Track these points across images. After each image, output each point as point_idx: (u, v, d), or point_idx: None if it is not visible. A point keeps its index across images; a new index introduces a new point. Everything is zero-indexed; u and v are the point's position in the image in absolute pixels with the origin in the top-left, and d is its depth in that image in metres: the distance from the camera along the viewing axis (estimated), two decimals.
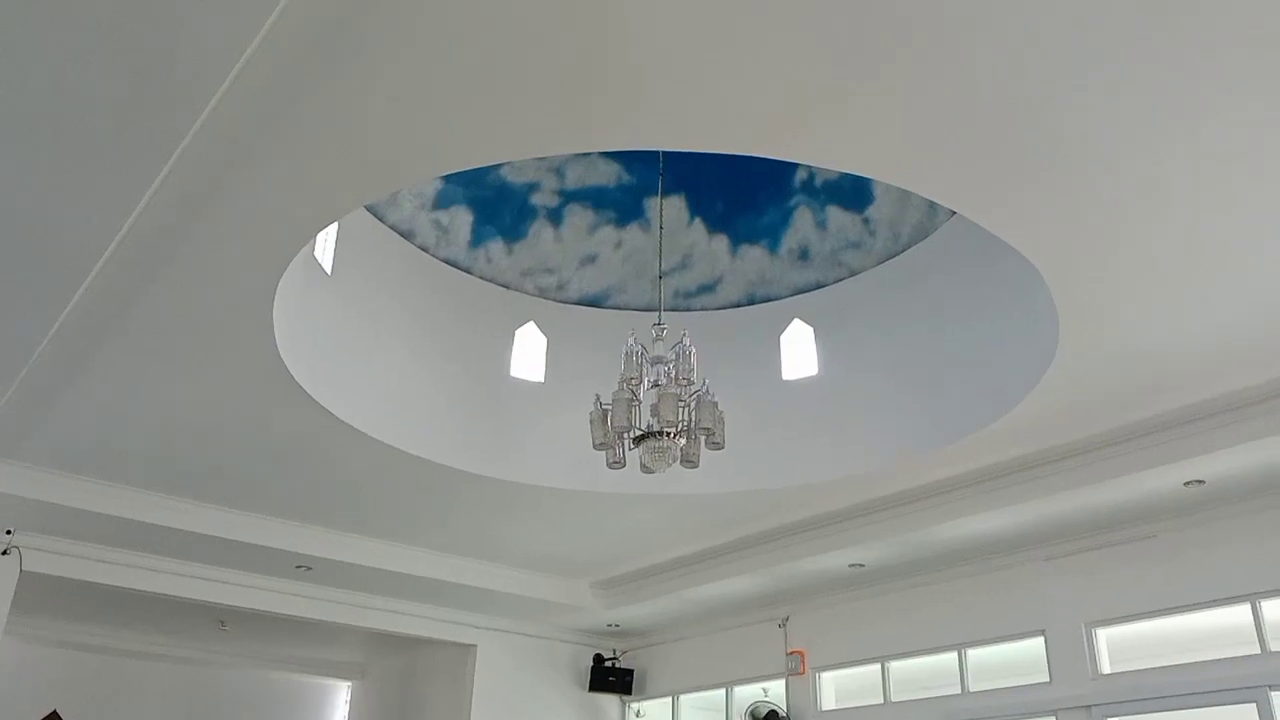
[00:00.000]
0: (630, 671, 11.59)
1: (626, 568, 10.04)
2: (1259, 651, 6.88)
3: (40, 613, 10.50)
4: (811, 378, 7.95)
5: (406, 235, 7.63)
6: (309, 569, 9.29)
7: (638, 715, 11.71)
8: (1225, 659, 7.04)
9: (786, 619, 10.08)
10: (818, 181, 7.70)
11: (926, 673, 9.09)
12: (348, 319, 7.06)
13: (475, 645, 10.93)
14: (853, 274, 7.91)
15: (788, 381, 8.02)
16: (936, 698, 8.74)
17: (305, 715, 13.20)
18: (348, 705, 13.40)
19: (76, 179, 4.41)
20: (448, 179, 7.48)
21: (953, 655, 8.69)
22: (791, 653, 9.89)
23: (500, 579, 10.02)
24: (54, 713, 11.46)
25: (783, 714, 9.70)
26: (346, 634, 11.47)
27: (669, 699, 11.34)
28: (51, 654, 11.44)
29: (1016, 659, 8.41)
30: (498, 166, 7.62)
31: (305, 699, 13.24)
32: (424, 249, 7.75)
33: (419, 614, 10.49)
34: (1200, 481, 6.85)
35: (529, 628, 11.24)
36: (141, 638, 11.65)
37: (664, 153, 6.99)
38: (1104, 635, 7.81)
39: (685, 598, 10.14)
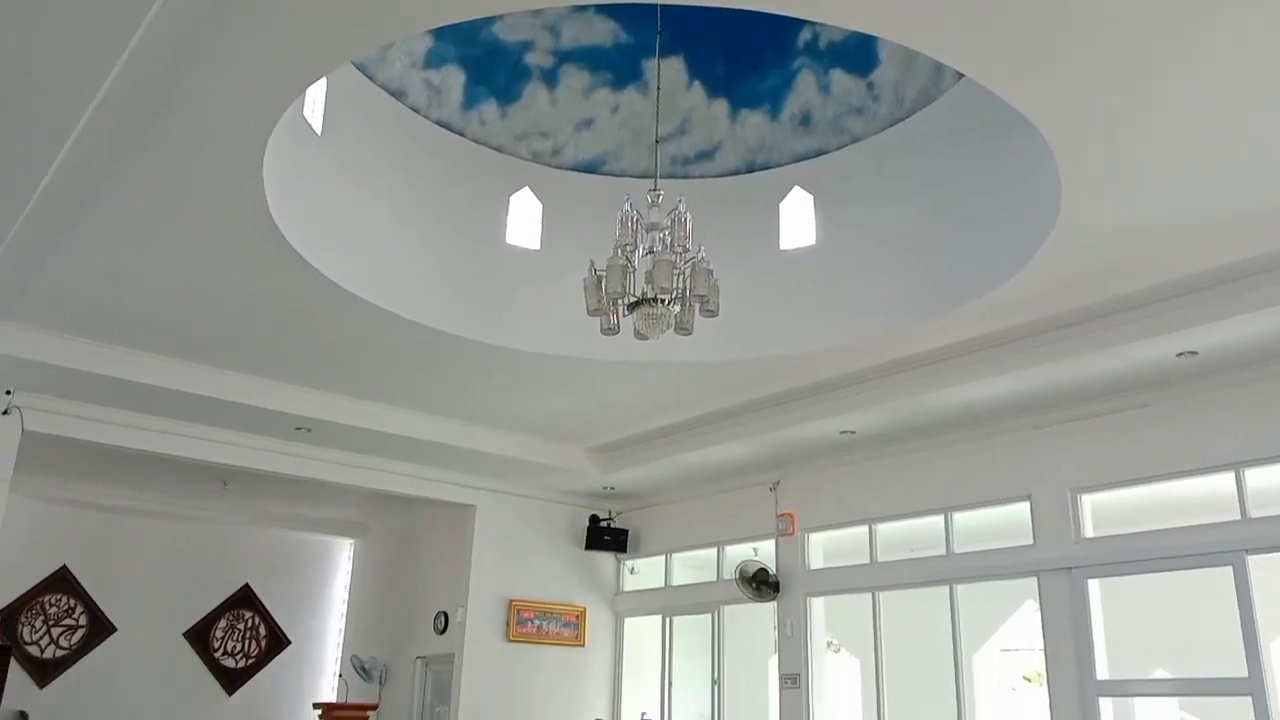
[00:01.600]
0: (625, 532, 11.90)
1: (621, 434, 10.18)
2: (1239, 518, 7.03)
3: (46, 472, 10.69)
4: (809, 247, 7.88)
5: (397, 95, 7.41)
6: (308, 430, 9.41)
7: (632, 573, 12.10)
8: (1206, 525, 7.21)
9: (777, 483, 10.28)
10: (822, 43, 7.44)
11: (912, 535, 9.34)
12: (339, 181, 6.93)
13: (474, 505, 11.18)
14: (855, 140, 7.73)
15: (785, 251, 7.95)
16: (922, 558, 9.01)
17: (309, 571, 13.60)
18: (351, 562, 13.81)
19: (54, 36, 4.24)
20: (439, 36, 7.22)
21: (939, 518, 8.91)
22: (781, 515, 10.14)
23: (497, 443, 10.17)
24: (63, 568, 11.80)
25: (771, 572, 10.01)
26: (347, 493, 11.73)
27: (662, 557, 11.69)
28: (59, 512, 11.70)
29: (1001, 523, 8.63)
30: (490, 23, 7.34)
31: (309, 556, 13.62)
32: (415, 110, 7.54)
33: (418, 475, 10.70)
34: (1193, 353, 6.87)
35: (526, 489, 11.48)
36: (146, 496, 11.90)
37: (662, 8, 6.70)
38: (1089, 501, 7.99)
39: (679, 463, 10.32)
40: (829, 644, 10.82)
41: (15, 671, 11.02)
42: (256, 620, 13.01)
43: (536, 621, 11.30)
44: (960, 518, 8.83)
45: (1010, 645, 13.47)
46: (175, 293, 7.06)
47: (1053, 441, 8.19)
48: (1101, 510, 8.03)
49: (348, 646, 13.04)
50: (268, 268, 6.62)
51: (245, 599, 12.98)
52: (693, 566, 11.43)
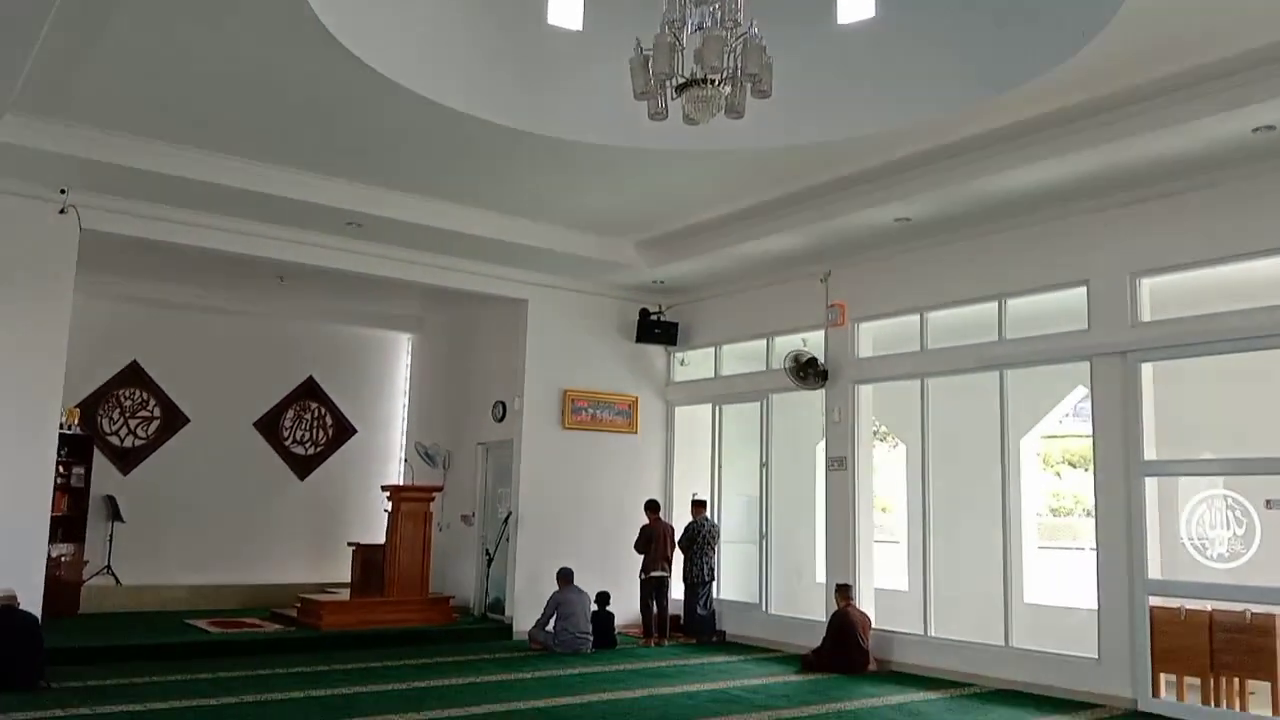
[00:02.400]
0: (675, 325, 12.02)
1: (670, 226, 10.08)
2: None
3: (110, 271, 10.90)
4: (867, 22, 7.43)
5: None
6: (359, 225, 9.44)
7: (682, 364, 12.29)
8: (1268, 306, 7.07)
9: (828, 274, 10.21)
10: None
11: (963, 323, 9.29)
12: None
13: (527, 300, 11.31)
14: None
15: (842, 26, 7.51)
16: (973, 345, 9.00)
17: (370, 364, 14.01)
18: (409, 355, 14.18)
19: None
20: None
21: (992, 305, 8.84)
22: (832, 305, 10.13)
23: (547, 237, 10.15)
24: (134, 362, 12.27)
25: (820, 361, 10.10)
26: (401, 289, 11.88)
27: (711, 349, 11.83)
28: (126, 309, 12.04)
29: (1055, 309, 8.54)
30: None
31: (369, 349, 13.99)
32: None
33: (470, 270, 10.77)
34: (1270, 127, 6.52)
35: (578, 284, 11.54)
36: (207, 293, 12.16)
37: None
38: (1147, 285, 7.84)
39: (728, 255, 10.26)
40: (875, 432, 11.03)
41: (100, 460, 11.68)
42: (322, 411, 13.54)
43: (590, 410, 11.63)
44: (1014, 304, 8.75)
45: (1054, 431, 13.64)
46: (219, 86, 6.97)
47: (1112, 225, 7.97)
48: (1159, 294, 7.90)
49: (411, 434, 13.59)
50: (309, 58, 6.46)
51: (310, 391, 13.47)
52: (742, 357, 11.58)
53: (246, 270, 10.97)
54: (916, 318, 9.44)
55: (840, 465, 9.92)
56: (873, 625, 9.29)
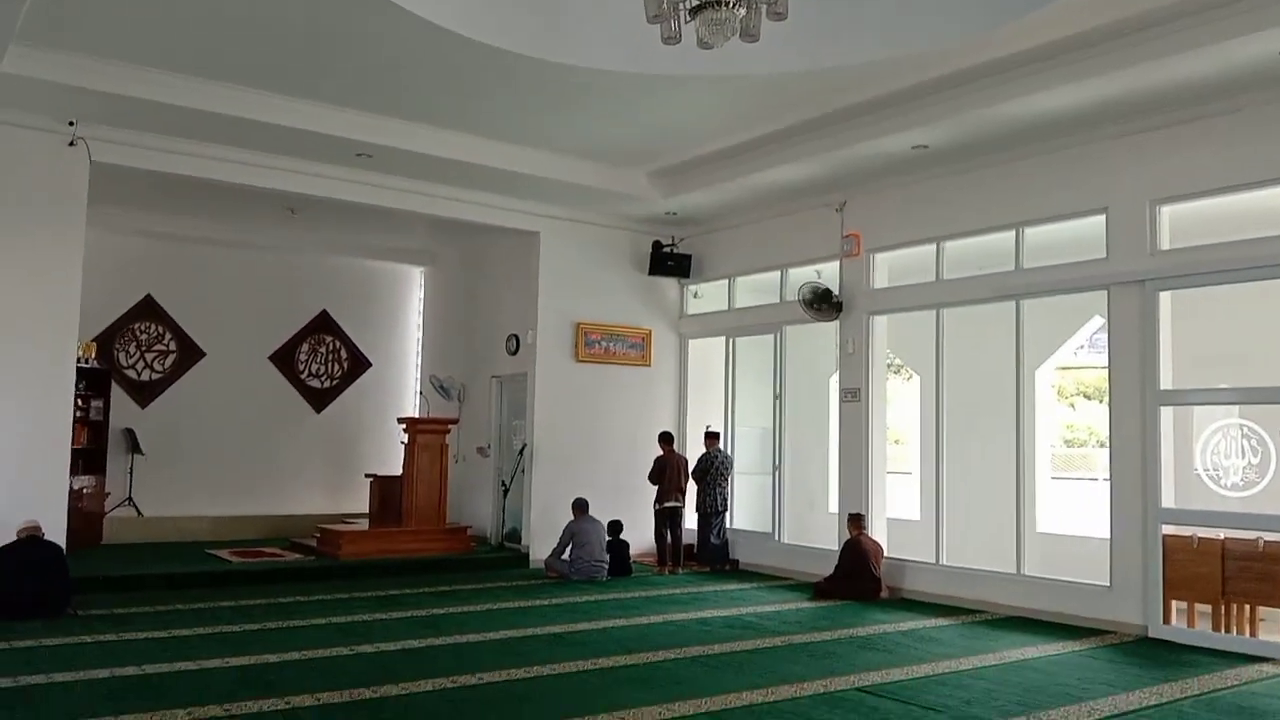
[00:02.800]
0: (688, 257, 11.95)
1: (683, 155, 9.95)
2: None
3: (122, 204, 10.88)
4: None
5: None
6: (369, 156, 9.36)
7: (695, 297, 12.25)
8: None
9: (843, 204, 10.10)
10: None
11: (980, 253, 9.21)
12: None
13: (538, 233, 11.25)
14: None
15: None
16: (989, 274, 8.92)
17: (383, 298, 14.00)
18: (422, 289, 14.17)
19: None
20: None
21: (1009, 235, 8.74)
22: (847, 236, 10.03)
23: (558, 168, 10.04)
24: (148, 296, 12.29)
25: (835, 293, 10.04)
26: (413, 221, 11.83)
27: (725, 281, 11.78)
28: (139, 243, 12.03)
29: (1073, 238, 8.44)
30: None
31: (382, 283, 13.97)
32: None
33: (482, 202, 10.70)
34: None
35: (590, 216, 11.45)
36: (219, 226, 12.12)
37: None
38: (1167, 212, 7.73)
39: (742, 185, 10.14)
40: (889, 365, 11.01)
41: (118, 394, 11.77)
42: (337, 344, 13.58)
43: (603, 343, 11.63)
44: (1031, 233, 8.65)
45: (1069, 363, 13.60)
46: (226, 15, 6.85)
47: (1133, 151, 7.82)
48: (1179, 222, 7.79)
49: (426, 368, 13.63)
50: None
51: (324, 324, 13.49)
52: (755, 290, 11.52)
53: (258, 203, 10.92)
54: (933, 248, 9.35)
55: (854, 397, 9.92)
56: (885, 554, 9.37)
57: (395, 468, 11.70)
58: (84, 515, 10.54)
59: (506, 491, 11.56)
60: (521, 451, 11.32)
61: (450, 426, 11.63)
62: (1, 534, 7.51)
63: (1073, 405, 20.61)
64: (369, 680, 5.61)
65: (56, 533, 8.03)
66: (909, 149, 8.74)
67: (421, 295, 14.16)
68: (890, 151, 8.85)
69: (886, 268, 9.99)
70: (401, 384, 13.99)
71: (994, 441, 9.24)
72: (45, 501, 8.16)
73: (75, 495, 9.92)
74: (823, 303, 9.98)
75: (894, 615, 8.26)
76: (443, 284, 13.78)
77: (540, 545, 10.73)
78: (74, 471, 9.35)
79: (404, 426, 11.46)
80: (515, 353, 11.71)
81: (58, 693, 5.25)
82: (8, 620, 7.05)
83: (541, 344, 11.24)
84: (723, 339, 11.79)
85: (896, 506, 10.46)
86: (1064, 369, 14.92)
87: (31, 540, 7.48)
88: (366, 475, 11.85)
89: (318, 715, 4.94)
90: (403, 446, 11.38)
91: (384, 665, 6.06)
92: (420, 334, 14.08)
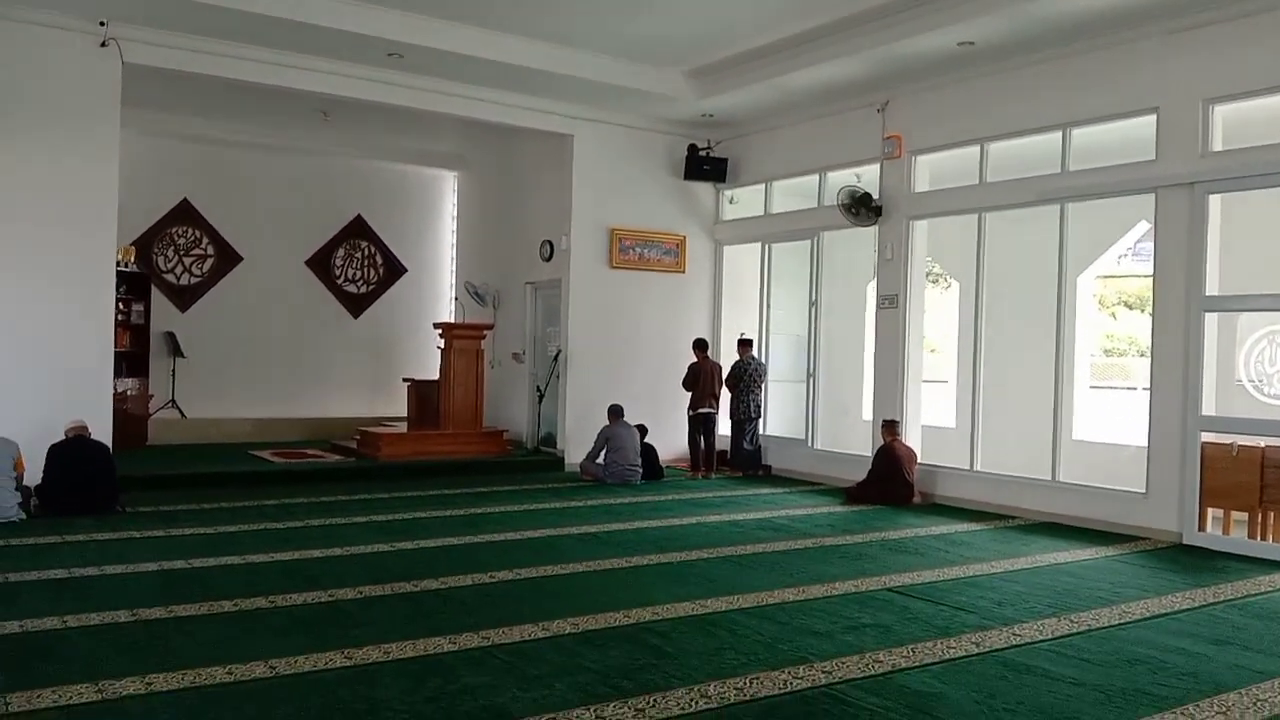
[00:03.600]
0: (724, 160, 11.75)
1: (721, 54, 9.70)
2: None
3: (156, 107, 10.82)
4: None
5: None
6: (400, 56, 9.21)
7: (731, 202, 12.08)
8: None
9: (885, 104, 9.83)
10: None
11: (1025, 155, 8.96)
12: None
13: (572, 135, 11.08)
14: None
15: None
16: (1034, 177, 8.70)
17: (417, 203, 13.94)
18: (455, 194, 14.08)
19: None
20: None
21: (1055, 136, 8.48)
22: (888, 137, 9.79)
23: (593, 67, 9.84)
24: (184, 200, 12.32)
25: (874, 197, 9.85)
26: (445, 124, 11.70)
27: (761, 186, 11.59)
28: (174, 146, 12.01)
29: (1122, 139, 8.19)
30: None
31: (415, 188, 13.90)
32: None
33: (515, 104, 10.53)
34: None
35: (624, 118, 11.25)
36: (253, 129, 12.06)
37: None
38: (1220, 112, 7.45)
39: (780, 85, 9.89)
40: (928, 274, 10.84)
41: (158, 298, 11.90)
42: (372, 249, 13.60)
43: (637, 249, 11.54)
44: (1078, 135, 8.39)
45: (1111, 271, 13.36)
46: None
47: (1185, 49, 7.51)
48: (1232, 122, 7.51)
49: (461, 273, 13.64)
50: None
51: (359, 229, 13.49)
52: (792, 194, 11.33)
53: (291, 105, 10.84)
54: (976, 150, 9.11)
55: (891, 303, 9.81)
56: (918, 460, 9.37)
57: (432, 372, 11.81)
58: (129, 417, 10.76)
59: (541, 397, 11.64)
60: (556, 358, 11.36)
61: (485, 332, 11.68)
62: (50, 434, 7.69)
63: (1113, 314, 20.33)
64: (409, 575, 5.75)
65: (103, 433, 8.23)
66: (954, 46, 8.46)
67: (455, 200, 14.09)
68: (934, 49, 8.57)
69: (928, 171, 9.76)
70: (437, 290, 14.03)
71: (1033, 349, 9.13)
72: (91, 403, 8.33)
73: (120, 397, 10.12)
74: (861, 207, 9.81)
75: (926, 520, 8.30)
76: (476, 189, 13.69)
77: (575, 449, 10.84)
78: (118, 374, 9.52)
79: (440, 332, 11.52)
80: (549, 259, 11.66)
81: (109, 584, 5.42)
82: (59, 516, 7.26)
83: (576, 250, 11.18)
84: (758, 245, 11.66)
85: (931, 414, 10.42)
86: (1106, 277, 14.66)
87: (79, 440, 7.66)
88: (404, 379, 11.98)
89: (359, 607, 5.07)
90: (439, 351, 11.46)
91: (423, 561, 6.19)
92: (454, 239, 14.05)
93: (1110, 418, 11.38)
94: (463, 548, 6.67)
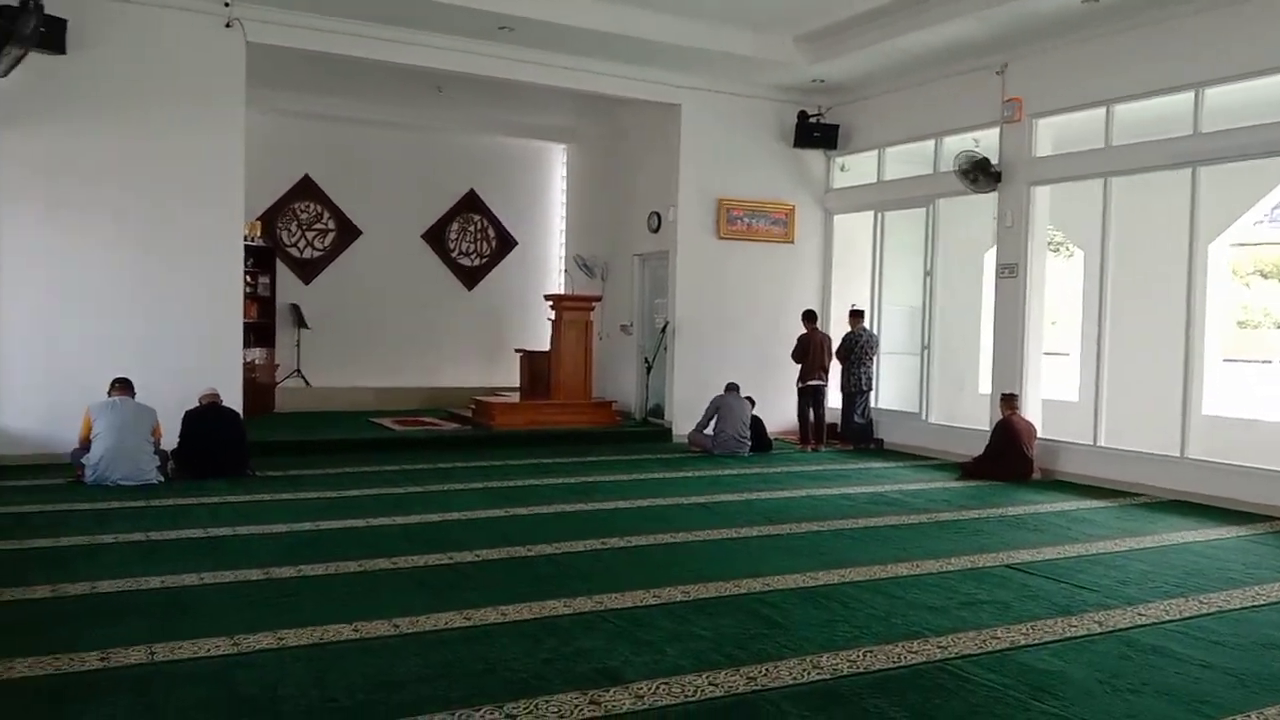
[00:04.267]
0: (835, 127, 11.53)
1: (833, 17, 9.50)
2: None
3: (276, 85, 11.20)
4: None
5: None
6: (511, 30, 9.30)
7: (842, 170, 11.86)
8: None
9: (1004, 66, 9.49)
10: None
11: (1153, 116, 8.54)
12: None
13: (680, 105, 11.03)
14: None
15: None
16: (1164, 140, 8.29)
17: (527, 176, 14.12)
18: (565, 167, 14.19)
19: None
20: None
21: (1187, 96, 8.05)
22: (1008, 100, 9.46)
23: (701, 36, 9.76)
24: (306, 176, 12.74)
25: (993, 163, 9.54)
26: (555, 97, 11.77)
27: (874, 153, 11.34)
28: (294, 124, 12.42)
29: (1261, 98, 7.73)
30: None
31: (525, 161, 14.08)
32: None
33: (623, 74, 10.54)
34: None
35: (733, 86, 11.15)
36: (370, 106, 12.36)
37: None
38: None
39: (895, 47, 9.64)
40: (1050, 242, 10.46)
41: (283, 271, 12.38)
42: (484, 223, 13.85)
43: (746, 219, 11.45)
44: (1211, 94, 7.94)
45: (1246, 239, 12.68)
46: None
47: None
48: None
49: (570, 246, 13.78)
50: None
51: (472, 203, 13.75)
52: (906, 161, 11.06)
53: (407, 82, 11.06)
54: (1101, 111, 8.72)
55: (1010, 272, 9.51)
56: (1038, 435, 9.09)
57: (543, 343, 11.99)
58: (257, 385, 11.24)
59: (649, 368, 11.70)
60: (664, 329, 11.39)
61: (594, 304, 11.77)
62: (185, 401, 8.08)
63: (1247, 284, 19.29)
64: (524, 540, 5.87)
65: (233, 401, 8.62)
66: (1077, 4, 8.10)
67: (564, 173, 14.21)
68: (1056, 7, 8.22)
69: (1050, 134, 9.40)
70: (546, 263, 14.20)
71: (1160, 321, 8.74)
72: (222, 372, 8.72)
73: (248, 366, 10.56)
74: (980, 173, 9.51)
75: (1046, 496, 8.06)
76: (585, 161, 13.77)
77: (683, 421, 10.87)
78: (246, 344, 9.94)
79: (550, 303, 11.67)
80: (657, 230, 11.67)
81: (242, 545, 5.68)
82: (194, 479, 7.65)
83: (683, 221, 11.15)
84: (870, 214, 11.43)
85: (1052, 388, 10.09)
86: (1240, 245, 13.91)
87: (213, 407, 8.04)
88: (516, 350, 12.21)
89: (476, 569, 5.21)
90: (549, 323, 11.61)
91: (538, 526, 6.32)
92: (564, 212, 14.18)
93: (1244, 393, 10.83)
94: (574, 515, 6.78)
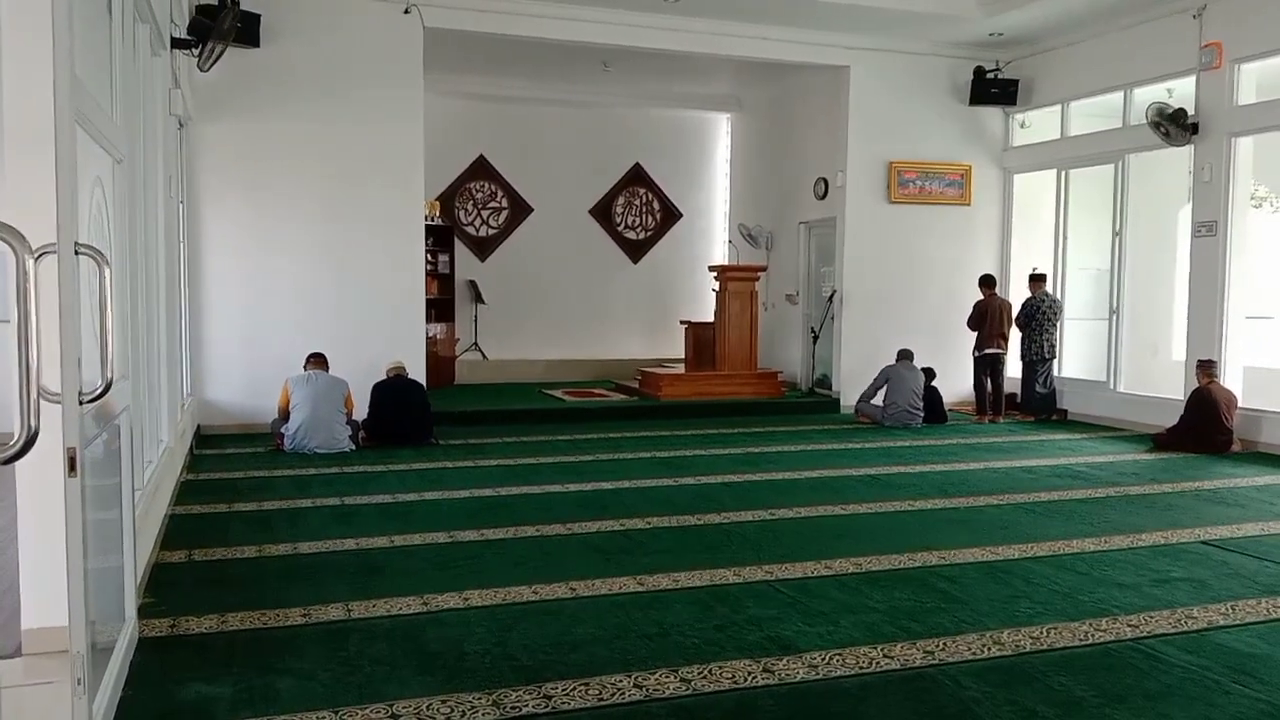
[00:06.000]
0: (1014, 82, 10.99)
1: None
2: None
3: (449, 69, 11.58)
4: None
5: None
6: (676, 0, 9.30)
7: (1022, 126, 11.30)
8: None
9: (1202, 8, 8.81)
10: None
11: None
12: None
13: (848, 67, 10.76)
14: None
15: None
16: None
17: (691, 148, 14.12)
18: (729, 136, 14.12)
19: None
20: None
21: None
22: (1206, 46, 8.77)
23: None
24: (480, 157, 13.15)
25: (1189, 113, 8.89)
26: (719, 67, 11.71)
27: (1057, 107, 10.75)
28: (467, 106, 12.82)
29: None
30: None
31: (689, 132, 14.08)
32: None
33: (789, 39, 10.36)
34: None
35: (904, 45, 10.79)
36: (539, 85, 12.64)
37: None
38: None
39: None
40: (1252, 197, 9.68)
41: (460, 249, 12.84)
42: (649, 196, 13.95)
43: (918, 182, 11.10)
44: None
45: None
46: None
47: None
48: None
49: (734, 216, 13.72)
50: None
51: (637, 177, 13.87)
52: (1093, 115, 10.45)
53: (574, 59, 11.24)
54: None
55: (1208, 230, 8.86)
56: (1238, 404, 8.48)
57: (708, 315, 12.01)
58: (438, 359, 11.75)
59: (816, 338, 11.54)
60: (831, 298, 11.20)
61: (759, 274, 11.69)
62: (374, 373, 8.55)
63: None
64: (693, 509, 5.93)
65: (417, 373, 9.05)
66: None
67: (728, 143, 14.13)
68: None
69: (1254, 81, 8.68)
70: (710, 234, 14.20)
71: None
72: (407, 345, 9.18)
73: (430, 341, 11.05)
74: (1174, 125, 8.88)
75: (1247, 469, 7.52)
76: (749, 130, 13.65)
77: (850, 392, 10.69)
78: (428, 319, 10.38)
79: (715, 274, 11.66)
80: (824, 197, 11.46)
81: (428, 509, 5.98)
82: (384, 446, 8.09)
83: (851, 186, 10.91)
84: (1053, 172, 10.86)
85: (1255, 354, 9.36)
86: None
87: (399, 379, 8.46)
88: (681, 322, 12.28)
89: (648, 536, 5.30)
90: (714, 294, 11.61)
91: (706, 495, 6.37)
92: (728, 182, 14.12)
93: None
94: (743, 485, 6.80)
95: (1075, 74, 10.40)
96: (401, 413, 8.28)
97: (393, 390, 8.36)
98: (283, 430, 7.92)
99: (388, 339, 9.09)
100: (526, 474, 7.09)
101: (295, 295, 8.99)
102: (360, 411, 8.34)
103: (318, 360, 8.14)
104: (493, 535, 5.28)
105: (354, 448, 8.01)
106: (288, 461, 7.52)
